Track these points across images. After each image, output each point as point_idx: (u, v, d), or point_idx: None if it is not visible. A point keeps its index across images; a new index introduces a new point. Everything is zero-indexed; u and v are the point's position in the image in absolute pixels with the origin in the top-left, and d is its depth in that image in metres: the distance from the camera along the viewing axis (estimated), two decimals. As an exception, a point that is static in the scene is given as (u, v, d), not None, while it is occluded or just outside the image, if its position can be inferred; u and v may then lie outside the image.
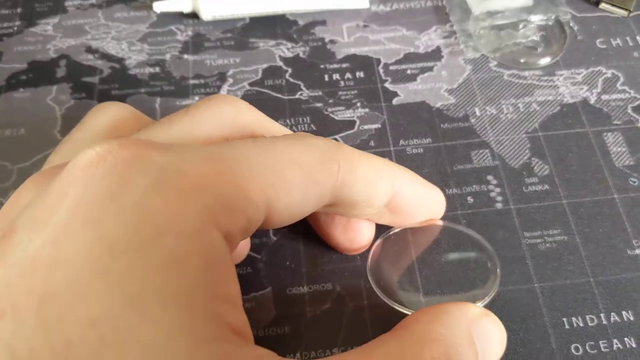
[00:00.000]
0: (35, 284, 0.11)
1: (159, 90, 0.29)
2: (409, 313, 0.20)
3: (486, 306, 0.20)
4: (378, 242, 0.22)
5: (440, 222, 0.22)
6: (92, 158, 0.13)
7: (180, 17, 0.32)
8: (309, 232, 0.25)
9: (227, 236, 0.14)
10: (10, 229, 0.12)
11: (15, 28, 0.32)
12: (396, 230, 0.22)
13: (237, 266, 0.24)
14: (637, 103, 0.28)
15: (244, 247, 0.23)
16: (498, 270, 0.21)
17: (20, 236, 0.12)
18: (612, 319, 0.23)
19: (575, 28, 0.31)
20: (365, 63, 0.30)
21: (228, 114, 0.18)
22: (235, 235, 0.14)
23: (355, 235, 0.22)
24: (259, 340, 0.22)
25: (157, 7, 0.31)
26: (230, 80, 0.29)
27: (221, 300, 0.13)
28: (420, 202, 0.21)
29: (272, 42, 0.31)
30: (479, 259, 0.22)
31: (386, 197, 0.19)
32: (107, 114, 0.19)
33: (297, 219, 0.17)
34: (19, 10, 0.33)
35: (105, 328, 0.11)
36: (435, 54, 0.30)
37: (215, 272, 0.13)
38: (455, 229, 0.23)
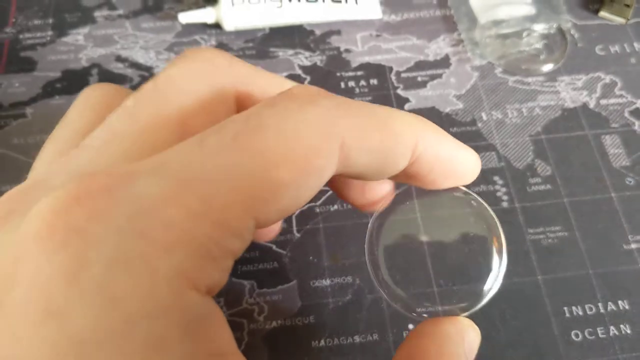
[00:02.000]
0: None
1: (186, 98, 0.31)
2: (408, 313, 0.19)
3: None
4: (374, 219, 0.19)
5: (462, 189, 0.19)
6: (42, 227, 0.11)
7: (204, 27, 0.34)
8: (329, 229, 0.27)
9: (212, 286, 0.12)
10: None
11: (48, 38, 0.34)
12: (399, 193, 0.19)
13: (265, 261, 0.26)
14: (633, 107, 0.30)
15: (274, 226, 0.22)
16: (505, 255, 0.19)
17: None
18: (609, 307, 0.25)
19: (576, 36, 0.33)
20: (378, 71, 0.32)
21: (205, 77, 0.15)
22: (222, 277, 0.13)
23: (374, 195, 0.19)
24: (287, 329, 0.24)
25: (183, 18, 0.33)
26: (253, 88, 0.31)
27: None
28: (447, 167, 0.17)
29: (291, 52, 0.33)
30: (488, 243, 0.20)
31: (403, 165, 0.16)
32: (89, 102, 0.17)
33: (293, 212, 0.15)
34: (50, 20, 0.35)
35: None
36: (444, 62, 0.32)
37: (200, 338, 0.12)
38: (473, 199, 0.20)
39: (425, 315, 0.19)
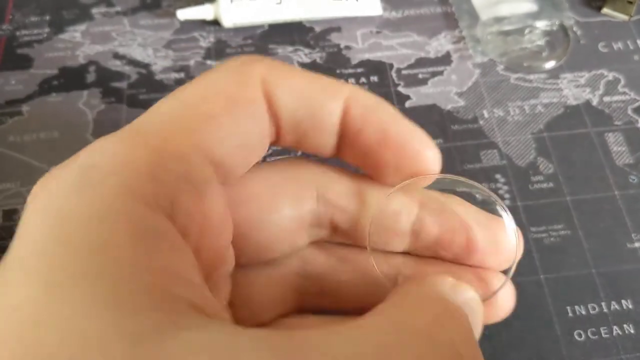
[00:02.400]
0: None
1: (184, 95, 0.31)
2: None
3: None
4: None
5: (433, 176, 0.18)
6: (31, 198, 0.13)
7: (202, 24, 0.34)
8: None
9: (167, 207, 0.13)
10: None
11: (45, 35, 0.34)
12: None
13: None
14: (637, 104, 0.30)
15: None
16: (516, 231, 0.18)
17: None
18: (612, 307, 0.24)
19: (579, 33, 0.33)
20: (378, 68, 0.32)
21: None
22: (183, 198, 0.13)
23: None
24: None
25: (181, 15, 0.33)
26: (252, 85, 0.31)
27: (163, 274, 0.12)
28: (385, 132, 0.16)
29: (291, 49, 0.32)
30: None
31: (335, 115, 0.16)
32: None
33: (257, 152, 0.16)
34: (47, 17, 0.35)
35: (27, 314, 0.11)
36: (445, 59, 0.32)
37: (152, 250, 0.12)
38: (453, 182, 0.18)
39: None
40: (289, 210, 0.18)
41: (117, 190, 0.12)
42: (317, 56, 0.32)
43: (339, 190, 0.18)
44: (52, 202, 0.13)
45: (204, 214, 0.14)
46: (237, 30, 0.33)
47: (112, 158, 0.13)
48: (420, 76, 0.31)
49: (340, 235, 0.19)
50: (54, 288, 0.11)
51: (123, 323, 0.10)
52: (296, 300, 0.19)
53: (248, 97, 0.15)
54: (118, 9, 0.35)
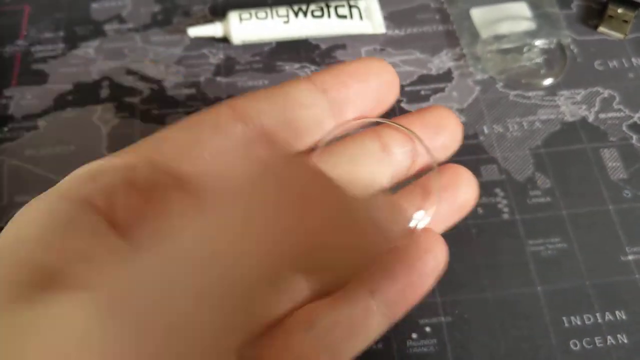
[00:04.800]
0: None
1: (195, 110, 0.32)
2: None
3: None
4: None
5: (368, 120, 0.19)
6: None
7: (212, 41, 0.35)
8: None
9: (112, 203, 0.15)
10: None
11: (60, 51, 0.35)
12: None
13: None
14: (631, 121, 0.31)
15: None
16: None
17: None
18: (606, 317, 0.26)
19: (575, 51, 0.34)
20: (382, 84, 0.33)
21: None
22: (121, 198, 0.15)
23: None
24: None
25: (191, 33, 0.34)
26: (260, 101, 0.32)
27: (55, 251, 0.13)
28: None
29: (297, 65, 0.34)
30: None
31: None
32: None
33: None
34: (61, 33, 0.36)
35: None
36: (446, 76, 0.33)
37: (55, 230, 0.14)
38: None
39: None
40: None
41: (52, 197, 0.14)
42: (323, 73, 0.33)
43: None
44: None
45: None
46: (246, 47, 0.34)
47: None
48: (422, 93, 0.32)
49: None
50: None
51: None
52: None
53: None
54: (130, 25, 0.36)
